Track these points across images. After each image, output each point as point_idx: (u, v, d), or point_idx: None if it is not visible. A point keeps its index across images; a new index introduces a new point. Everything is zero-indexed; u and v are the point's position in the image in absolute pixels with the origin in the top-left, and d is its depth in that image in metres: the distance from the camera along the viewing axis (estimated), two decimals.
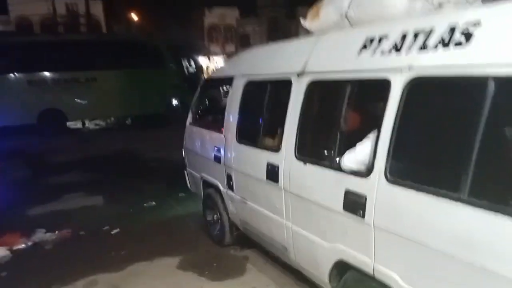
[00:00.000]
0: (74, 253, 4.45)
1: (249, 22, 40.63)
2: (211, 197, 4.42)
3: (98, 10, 32.76)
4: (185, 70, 15.18)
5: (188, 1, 39.60)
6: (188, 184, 5.19)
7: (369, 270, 2.35)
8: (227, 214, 4.16)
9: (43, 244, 4.70)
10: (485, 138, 1.72)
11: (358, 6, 2.73)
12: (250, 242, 4.09)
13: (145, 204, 5.88)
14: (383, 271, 2.25)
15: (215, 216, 4.47)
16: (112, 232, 4.96)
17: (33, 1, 30.93)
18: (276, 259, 3.71)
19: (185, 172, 5.18)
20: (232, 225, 4.18)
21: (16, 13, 34.60)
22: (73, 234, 4.97)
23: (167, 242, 4.55)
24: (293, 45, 3.42)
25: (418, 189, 2.00)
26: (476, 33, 1.83)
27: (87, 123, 15.32)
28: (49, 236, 4.88)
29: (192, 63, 15.83)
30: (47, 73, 12.67)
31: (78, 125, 14.89)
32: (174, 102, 14.06)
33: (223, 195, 4.14)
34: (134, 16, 32.98)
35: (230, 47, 39.04)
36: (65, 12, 32.88)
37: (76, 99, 12.89)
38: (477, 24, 1.85)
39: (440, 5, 2.62)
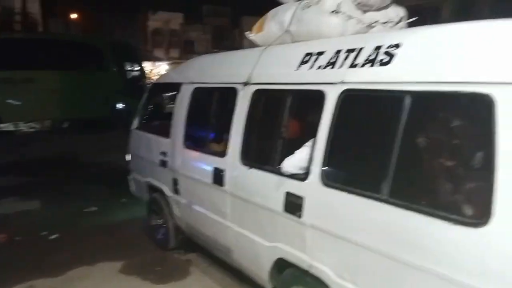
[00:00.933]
0: (9, 258, 4.28)
1: (194, 28, 40.54)
2: (157, 201, 4.46)
3: (35, 8, 31.05)
4: (128, 73, 14.88)
5: (131, 4, 38.84)
6: (132, 189, 5.18)
7: (305, 267, 2.56)
8: (172, 218, 4.22)
9: None
10: (403, 145, 1.99)
11: (298, 23, 2.97)
12: (194, 246, 4.17)
13: (85, 209, 5.75)
14: (318, 267, 2.46)
15: (159, 221, 4.51)
16: (51, 237, 4.82)
17: None
18: (220, 262, 3.81)
19: (129, 177, 5.17)
20: (177, 229, 4.25)
21: None
22: (8, 239, 4.79)
23: (109, 247, 4.50)
24: (240, 56, 3.61)
25: (348, 191, 2.25)
26: (397, 53, 2.11)
27: (21, 126, 14.51)
28: None
29: (136, 66, 15.54)
30: None
31: (11, 127, 14.06)
32: (118, 106, 13.71)
33: (168, 200, 4.20)
34: (74, 16, 31.67)
35: (174, 53, 38.69)
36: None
37: (10, 100, 12.18)
38: (398, 45, 2.13)
39: (370, 26, 2.94)
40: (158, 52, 36.96)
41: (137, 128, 4.91)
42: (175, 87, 4.08)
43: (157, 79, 4.96)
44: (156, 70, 29.47)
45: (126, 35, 31.02)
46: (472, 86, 1.75)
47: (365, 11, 2.94)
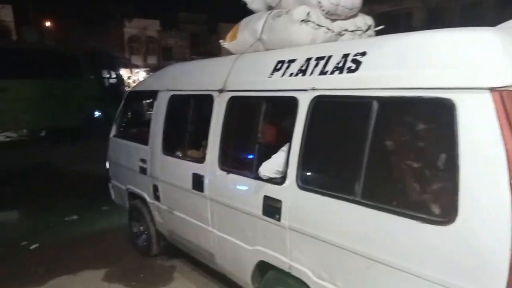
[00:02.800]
0: None
1: (171, 35, 40.46)
2: (137, 208, 4.48)
3: (8, 16, 30.35)
4: (105, 81, 14.72)
5: (106, 11, 38.50)
6: (113, 197, 5.18)
7: (286, 268, 2.64)
8: (154, 224, 4.25)
9: None
10: (372, 148, 2.10)
11: (269, 32, 3.06)
12: (177, 252, 4.21)
13: (66, 218, 5.71)
14: (297, 268, 2.56)
15: (141, 228, 4.53)
16: (31, 247, 4.78)
17: None
18: (203, 267, 3.86)
19: (109, 184, 5.16)
20: (159, 235, 4.28)
21: None
22: None
23: (91, 255, 4.50)
24: (215, 63, 3.68)
25: (323, 193, 2.34)
26: (363, 61, 2.22)
27: None
28: None
29: (113, 73, 15.39)
30: None
31: None
32: (96, 114, 13.55)
33: (149, 206, 4.23)
34: (49, 24, 31.14)
35: (152, 59, 38.50)
36: None
37: None
38: (364, 53, 2.24)
39: (339, 34, 3.05)
40: (135, 59, 36.75)
41: (115, 136, 4.92)
42: (152, 94, 4.11)
43: (133, 87, 4.96)
44: (134, 77, 29.23)
45: (102, 43, 30.67)
46: (434, 92, 1.87)
47: (334, 20, 3.05)
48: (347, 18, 3.13)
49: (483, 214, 1.69)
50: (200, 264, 3.87)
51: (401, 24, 25.56)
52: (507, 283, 1.62)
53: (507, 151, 1.62)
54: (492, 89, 1.69)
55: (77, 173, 8.45)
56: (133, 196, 4.57)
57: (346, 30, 3.10)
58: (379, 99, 2.08)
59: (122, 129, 4.92)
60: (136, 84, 4.73)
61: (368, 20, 3.26)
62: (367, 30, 3.23)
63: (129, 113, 4.90)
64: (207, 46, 39.06)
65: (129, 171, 4.51)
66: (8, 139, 14.25)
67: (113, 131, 4.95)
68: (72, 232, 5.26)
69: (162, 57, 38.38)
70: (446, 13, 25.18)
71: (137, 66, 31.71)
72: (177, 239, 3.98)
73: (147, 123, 4.16)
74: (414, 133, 2.01)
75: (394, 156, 2.09)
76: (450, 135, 1.77)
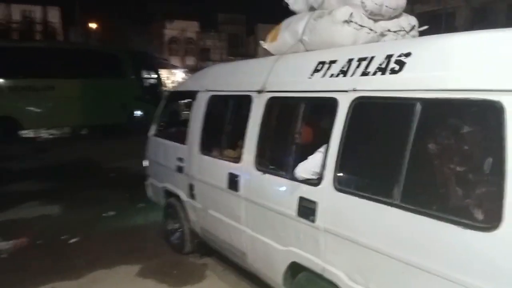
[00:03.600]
0: (31, 261, 4.39)
1: (210, 36, 41.07)
2: (173, 206, 4.56)
3: (55, 18, 31.86)
4: (146, 81, 15.16)
5: (149, 13, 39.56)
6: (149, 194, 5.29)
7: (319, 270, 2.61)
8: (188, 222, 4.31)
9: None
10: (414, 151, 2.04)
11: (311, 33, 3.05)
12: (209, 250, 4.25)
13: (104, 214, 5.88)
14: (331, 271, 2.51)
15: (175, 225, 4.60)
16: (71, 241, 4.93)
17: None
18: (236, 266, 3.87)
19: (146, 182, 5.29)
20: (193, 233, 4.33)
21: None
22: (30, 243, 4.90)
23: (126, 251, 4.59)
24: (254, 64, 3.70)
25: (360, 196, 2.30)
26: (407, 62, 2.17)
27: (41, 132, 14.89)
28: (4, 245, 4.80)
29: (153, 74, 15.83)
30: (1, 80, 12.29)
31: (31, 134, 14.44)
32: (136, 112, 13.98)
33: (184, 204, 4.29)
34: (93, 25, 32.40)
35: (190, 60, 39.20)
36: (20, 18, 31.92)
37: (31, 108, 12.55)
38: (409, 54, 2.19)
39: (382, 34, 3.00)
40: (174, 60, 37.58)
41: (154, 135, 5.03)
42: (191, 94, 4.19)
43: (174, 87, 5.08)
44: (173, 77, 29.94)
45: (144, 43, 31.58)
46: (482, 94, 1.80)
47: (376, 21, 3.01)
48: (390, 18, 3.08)
49: None
50: (232, 263, 3.88)
51: (444, 24, 24.86)
52: None
53: None
54: None
55: (116, 170, 8.70)
56: (169, 194, 4.65)
57: (389, 30, 3.05)
58: (423, 100, 2.02)
59: (161, 128, 5.03)
60: (176, 85, 4.85)
61: (412, 21, 3.19)
62: (410, 30, 3.16)
63: (169, 113, 5.00)
64: (244, 47, 39.42)
65: (166, 169, 4.60)
66: (52, 136, 14.91)
67: (152, 130, 5.07)
68: (109, 227, 5.39)
69: (200, 58, 39.06)
70: (491, 13, 24.23)
71: (175, 67, 32.42)
72: (210, 237, 4.01)
73: (185, 123, 4.23)
74: (459, 136, 1.94)
75: (436, 159, 2.02)
76: (497, 138, 1.70)
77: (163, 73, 21.80)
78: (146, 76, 15.25)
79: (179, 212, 4.42)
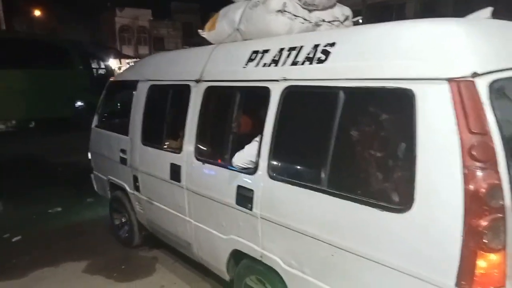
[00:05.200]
0: None
1: (163, 25, 40.00)
2: (119, 199, 4.49)
3: None
4: (94, 71, 14.62)
5: (96, 1, 38.12)
6: (95, 188, 5.17)
7: (258, 256, 2.67)
8: (135, 215, 4.26)
9: None
10: (338, 138, 2.12)
11: (247, 22, 3.06)
12: (159, 243, 4.22)
13: (50, 210, 5.68)
14: (268, 256, 2.59)
15: (123, 219, 4.54)
16: (14, 240, 4.77)
17: None
18: (185, 258, 3.87)
19: (92, 175, 5.16)
20: (140, 225, 4.29)
21: None
22: None
23: (73, 247, 4.49)
24: (193, 53, 3.67)
25: (292, 183, 2.37)
26: (332, 52, 2.23)
27: None
28: None
29: (102, 64, 15.29)
30: None
31: None
32: (84, 104, 13.47)
33: (130, 197, 4.23)
34: (38, 13, 30.75)
35: (144, 49, 38.12)
36: None
37: None
38: (333, 44, 2.25)
39: (316, 24, 3.06)
40: (126, 50, 36.43)
41: (96, 126, 4.90)
42: (132, 84, 4.10)
43: (114, 77, 4.94)
44: (124, 67, 29.04)
45: (93, 32, 30.35)
46: (396, 82, 1.89)
47: (311, 11, 3.06)
48: (325, 8, 3.13)
49: (437, 202, 1.72)
50: (182, 255, 3.88)
51: (395, 16, 25.67)
52: (458, 268, 1.66)
53: (461, 140, 1.65)
54: (450, 80, 1.71)
55: (63, 164, 8.40)
56: (114, 186, 4.56)
57: (323, 20, 3.10)
58: (346, 89, 2.10)
59: (103, 119, 4.90)
60: (117, 74, 4.70)
61: (346, 11, 3.27)
62: (344, 20, 3.23)
63: (110, 103, 4.87)
64: (199, 37, 38.80)
65: (110, 161, 4.50)
66: None
67: (95, 122, 4.93)
68: (55, 224, 5.22)
69: (154, 47, 38.07)
70: (440, 5, 25.22)
71: (128, 57, 31.42)
72: (156, 229, 3.99)
73: (127, 114, 4.14)
74: (378, 123, 2.03)
75: (358, 146, 2.11)
76: (409, 125, 1.80)
77: (114, 63, 21.09)
78: (95, 66, 14.68)
79: (126, 205, 4.36)
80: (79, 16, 34.21)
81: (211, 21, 3.44)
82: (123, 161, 4.16)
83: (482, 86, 1.70)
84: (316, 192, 2.21)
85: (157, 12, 40.05)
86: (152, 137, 3.77)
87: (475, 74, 1.70)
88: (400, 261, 1.86)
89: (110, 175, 4.57)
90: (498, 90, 1.74)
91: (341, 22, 3.21)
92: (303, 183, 2.30)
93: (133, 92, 4.03)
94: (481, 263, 1.65)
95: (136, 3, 38.02)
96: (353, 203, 2.03)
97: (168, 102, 3.60)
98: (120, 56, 28.62)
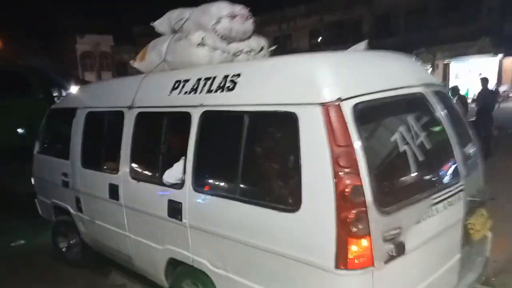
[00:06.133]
0: None
1: (126, 50, 39.22)
2: (65, 222, 4.63)
3: None
4: (55, 99, 14.25)
5: (58, 27, 37.31)
6: (40, 212, 5.28)
7: (190, 262, 3.01)
8: (79, 235, 4.46)
9: None
10: (245, 154, 2.53)
11: (173, 54, 3.45)
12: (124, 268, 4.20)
13: (12, 244, 5.59)
14: (198, 260, 2.93)
15: (72, 241, 4.66)
16: None
17: None
18: (153, 284, 3.75)
19: (36, 200, 5.27)
20: (84, 244, 4.48)
21: None
22: None
23: (23, 275, 4.52)
24: (126, 82, 4.00)
25: (211, 194, 2.76)
26: (238, 81, 2.66)
27: None
28: None
29: (64, 92, 14.95)
30: None
31: None
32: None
33: (74, 218, 4.43)
34: None
35: (107, 75, 37.59)
36: None
37: None
38: (239, 75, 2.69)
39: (235, 55, 3.49)
40: (88, 75, 35.83)
41: (38, 152, 5.06)
42: (71, 111, 4.34)
43: (54, 105, 5.13)
44: None
45: (54, 59, 29.58)
46: (284, 107, 2.34)
47: (230, 42, 3.49)
48: (242, 40, 3.58)
49: (317, 201, 2.17)
50: (150, 281, 3.80)
51: (352, 32, 27.25)
52: (335, 253, 2.11)
53: (331, 151, 2.10)
54: (321, 104, 2.18)
55: (17, 191, 8.17)
56: (58, 209, 4.72)
57: (241, 51, 3.54)
58: (249, 113, 2.53)
59: (45, 145, 5.06)
60: (57, 102, 4.91)
61: (261, 42, 3.72)
62: (260, 50, 3.68)
63: (51, 130, 5.05)
64: None
65: (53, 185, 4.67)
66: None
67: (37, 148, 5.08)
68: (18, 257, 5.11)
69: (117, 72, 37.61)
70: (393, 19, 27.01)
71: (89, 83, 30.85)
72: (100, 246, 4.21)
73: (67, 139, 4.36)
74: (273, 141, 2.48)
75: (260, 159, 2.54)
76: (295, 141, 2.24)
77: (75, 90, 20.55)
78: (55, 94, 14.27)
79: (72, 226, 4.51)
80: (40, 43, 33.34)
81: (142, 52, 3.80)
82: (66, 184, 4.35)
83: (346, 108, 2.18)
84: (231, 201, 2.60)
85: (118, 37, 39.60)
86: (91, 160, 4.03)
87: (339, 99, 2.17)
88: (295, 252, 2.28)
89: (53, 199, 4.73)
90: (360, 110, 2.23)
91: (257, 52, 3.66)
92: (221, 193, 2.69)
93: (73, 118, 4.27)
94: (352, 248, 2.10)
95: (97, 30, 37.60)
96: (258, 207, 2.44)
97: (104, 127, 3.89)
98: (81, 82, 27.99)
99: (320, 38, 31.79)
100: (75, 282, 4.42)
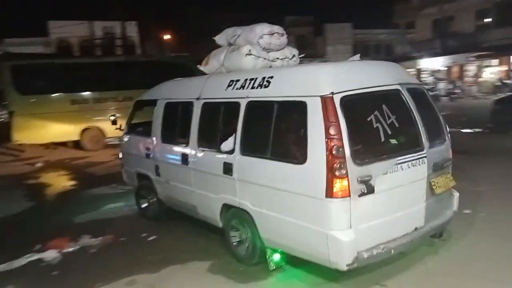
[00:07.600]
0: (116, 256, 4.99)
1: None
2: (146, 186, 6.10)
3: (133, 32, 33.41)
4: None
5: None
6: (124, 179, 6.89)
7: (237, 205, 4.36)
8: (156, 194, 5.94)
9: (88, 248, 5.28)
10: (275, 129, 3.87)
11: (228, 61, 4.87)
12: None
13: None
14: (243, 202, 4.27)
15: (149, 200, 6.10)
16: (150, 238, 5.48)
17: (72, 24, 34.16)
18: (304, 263, 4.00)
19: (122, 170, 6.89)
20: (160, 202, 5.93)
21: (56, 35, 37.65)
22: (115, 239, 5.53)
23: (201, 247, 5.03)
24: (194, 81, 5.50)
25: (252, 156, 4.09)
26: (271, 81, 4.01)
27: None
28: (94, 241, 5.47)
29: None
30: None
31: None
32: None
33: (153, 181, 5.92)
34: (167, 37, 34.87)
35: None
36: (102, 34, 35.01)
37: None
38: (272, 77, 4.04)
39: (273, 61, 4.85)
40: None
41: (125, 133, 6.70)
42: (153, 102, 5.87)
43: (139, 97, 6.72)
44: None
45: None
46: (300, 98, 3.65)
47: (269, 52, 4.84)
48: (278, 50, 4.92)
49: (317, 157, 3.43)
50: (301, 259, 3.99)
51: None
52: (326, 188, 3.37)
53: (325, 126, 3.39)
54: (320, 96, 3.47)
55: None
56: (140, 176, 6.24)
57: (277, 58, 4.90)
58: (277, 102, 3.88)
59: (131, 128, 6.67)
60: (141, 95, 6.53)
61: (293, 51, 5.04)
62: (292, 57, 5.01)
63: (137, 116, 6.65)
64: (313, 48, 40.02)
65: (137, 157, 6.20)
66: None
67: (125, 130, 6.72)
68: (186, 226, 5.73)
69: None
70: None
71: None
72: (172, 201, 5.66)
73: (150, 122, 5.89)
74: (294, 119, 3.79)
75: (284, 131, 3.88)
76: (304, 119, 3.54)
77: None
78: None
79: (151, 188, 5.94)
80: (204, 39, 36.11)
81: (205, 59, 5.26)
82: (148, 155, 5.86)
83: (336, 99, 3.45)
84: (265, 159, 3.94)
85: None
86: (168, 137, 5.50)
87: (332, 93, 3.46)
88: (302, 190, 3.57)
89: (137, 168, 6.28)
90: (346, 100, 3.49)
91: (290, 59, 4.99)
92: (258, 155, 4.01)
93: (154, 107, 5.79)
94: (336, 185, 3.36)
95: (251, 22, 39.48)
96: (281, 162, 3.78)
97: (178, 113, 5.33)
98: None
99: (490, 19, 27.97)
100: (223, 254, 4.75)
